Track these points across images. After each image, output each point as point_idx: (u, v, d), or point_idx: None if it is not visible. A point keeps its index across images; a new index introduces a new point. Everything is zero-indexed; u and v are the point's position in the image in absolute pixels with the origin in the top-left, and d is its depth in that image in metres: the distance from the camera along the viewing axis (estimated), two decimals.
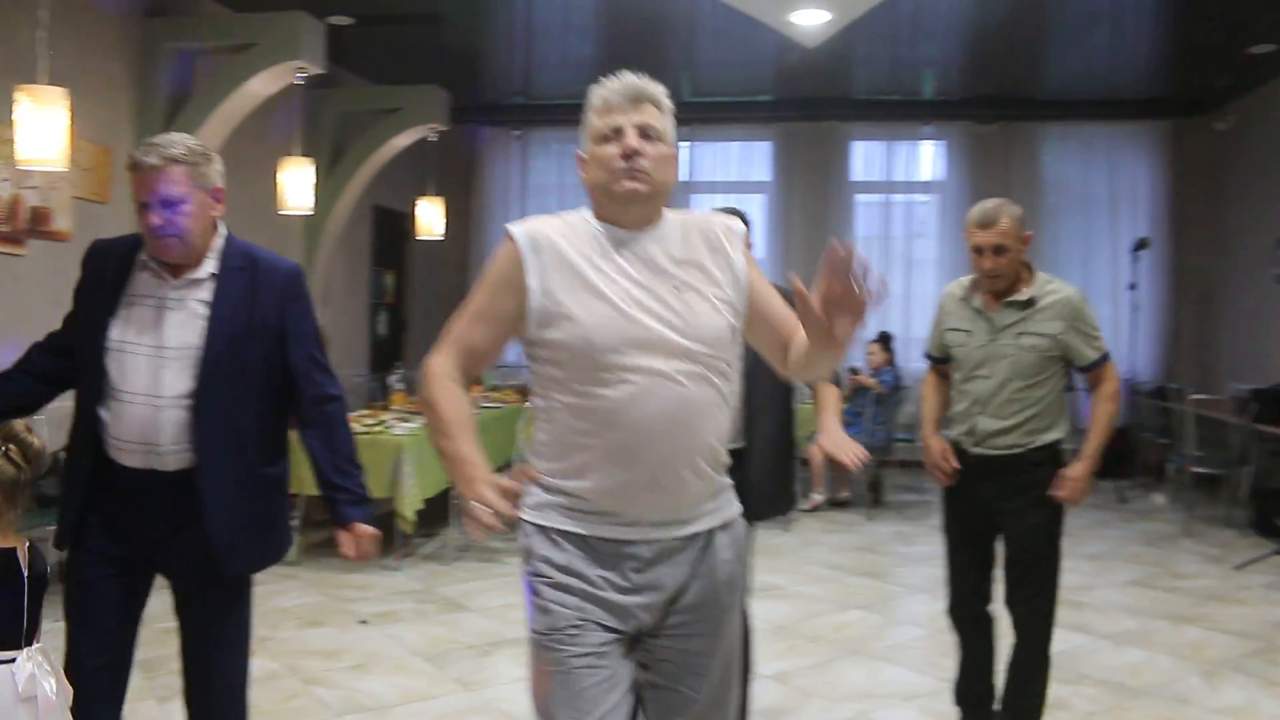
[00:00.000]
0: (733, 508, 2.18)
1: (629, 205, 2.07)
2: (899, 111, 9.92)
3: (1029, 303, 3.35)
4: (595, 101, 2.11)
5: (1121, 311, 9.56)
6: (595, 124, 2.10)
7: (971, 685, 3.68)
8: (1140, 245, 9.05)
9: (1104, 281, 9.89)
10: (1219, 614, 5.47)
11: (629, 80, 2.09)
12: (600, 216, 2.11)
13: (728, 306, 2.08)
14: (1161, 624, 5.29)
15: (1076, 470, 3.34)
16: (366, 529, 2.65)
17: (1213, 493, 8.29)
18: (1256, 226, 9.07)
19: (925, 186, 10.28)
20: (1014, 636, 3.52)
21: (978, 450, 3.43)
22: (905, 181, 10.27)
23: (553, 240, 2.06)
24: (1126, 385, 9.64)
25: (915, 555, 6.80)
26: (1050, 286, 3.39)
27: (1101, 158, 10.15)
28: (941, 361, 3.63)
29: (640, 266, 2.04)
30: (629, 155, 2.04)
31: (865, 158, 10.28)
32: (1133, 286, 9.08)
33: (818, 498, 8.18)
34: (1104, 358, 3.39)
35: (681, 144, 7.96)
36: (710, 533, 2.11)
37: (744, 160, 10.41)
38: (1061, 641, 4.90)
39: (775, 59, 8.48)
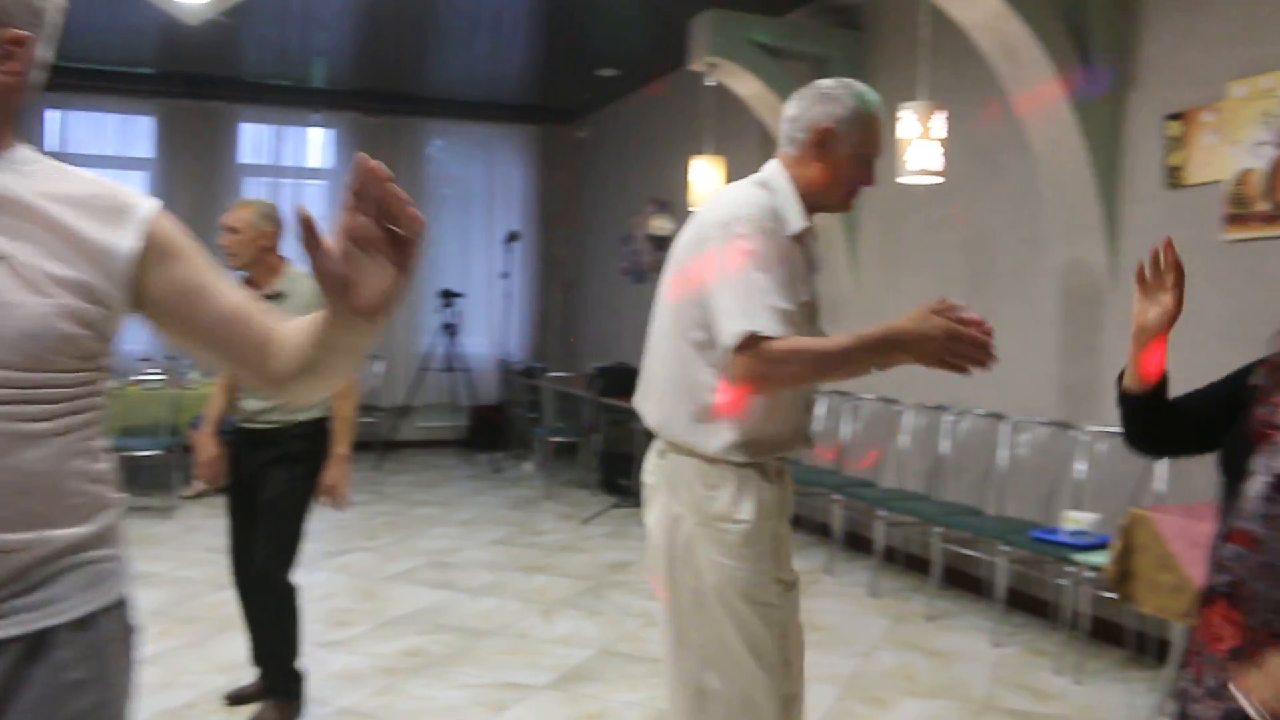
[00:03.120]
0: (90, 591, 1.40)
1: None
2: (288, 97, 9.96)
3: (278, 295, 3.66)
4: None
5: (495, 298, 10.44)
6: None
7: (258, 646, 3.91)
8: (512, 237, 9.97)
9: (481, 270, 10.72)
10: (565, 562, 6.28)
11: None
12: None
13: (69, 293, 1.34)
14: (516, 575, 5.96)
15: (330, 474, 3.72)
16: None
17: (571, 459, 9.40)
18: (607, 224, 10.39)
19: (315, 173, 10.44)
20: (255, 591, 3.82)
21: (247, 426, 3.75)
22: (295, 167, 10.35)
23: None
24: (500, 365, 10.56)
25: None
26: (301, 283, 3.70)
27: (480, 156, 10.97)
28: None
29: None
30: None
31: (253, 141, 10.18)
32: (505, 275, 9.97)
33: (200, 484, 8.02)
34: None
35: (51, 111, 7.38)
36: (39, 637, 1.34)
37: (123, 134, 9.84)
38: (423, 599, 5.43)
39: (157, 32, 8.15)
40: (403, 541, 6.72)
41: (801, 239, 2.35)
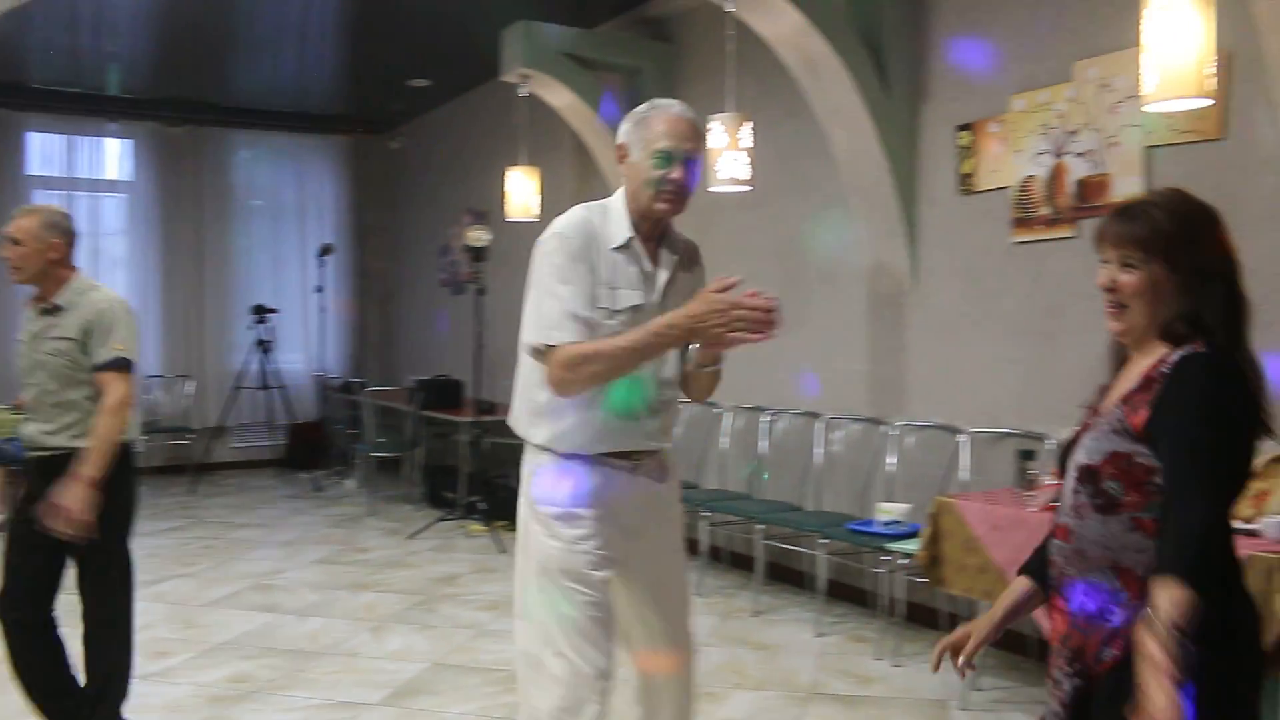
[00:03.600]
0: None
1: None
2: (82, 106, 9.49)
3: (56, 309, 3.46)
4: None
5: (311, 313, 10.20)
6: None
7: (45, 687, 3.57)
8: (325, 251, 9.75)
9: (294, 285, 10.45)
10: (392, 577, 6.20)
11: None
12: None
13: None
14: (342, 593, 5.85)
15: (68, 495, 3.27)
16: None
17: (395, 474, 9.28)
18: (424, 235, 10.30)
19: (113, 185, 9.98)
20: (88, 639, 3.55)
21: (33, 454, 3.50)
22: (91, 179, 9.86)
23: None
24: (317, 381, 10.32)
25: None
26: (85, 295, 3.50)
27: (290, 167, 10.69)
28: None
29: None
30: None
31: (43, 151, 9.65)
32: (320, 289, 9.74)
33: None
34: (112, 364, 3.42)
35: None
36: None
37: None
38: (247, 623, 5.28)
39: None
40: (222, 566, 6.51)
41: (639, 248, 2.53)
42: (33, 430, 3.48)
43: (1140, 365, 1.83)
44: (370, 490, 8.70)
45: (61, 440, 3.42)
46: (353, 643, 4.97)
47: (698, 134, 2.49)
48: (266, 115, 10.21)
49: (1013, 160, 4.65)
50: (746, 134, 4.70)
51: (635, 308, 2.47)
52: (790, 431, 5.89)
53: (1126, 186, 4.18)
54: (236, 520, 8.00)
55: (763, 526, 5.51)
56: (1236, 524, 3.22)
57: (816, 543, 5.16)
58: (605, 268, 2.46)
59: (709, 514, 5.78)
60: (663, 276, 2.55)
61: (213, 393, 10.01)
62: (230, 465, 10.21)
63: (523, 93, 6.49)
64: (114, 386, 3.40)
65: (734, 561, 6.21)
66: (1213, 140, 3.90)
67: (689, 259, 2.65)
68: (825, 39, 4.69)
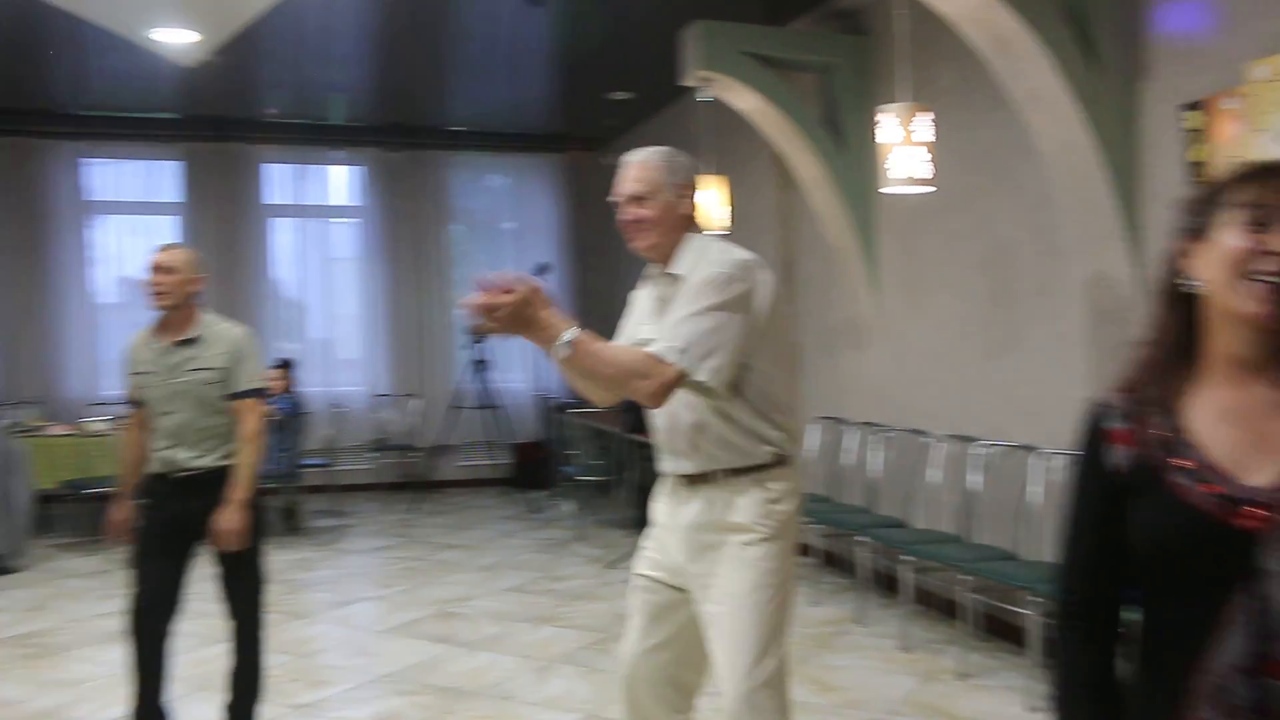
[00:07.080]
0: None
1: None
2: (310, 136, 9.82)
3: (192, 341, 3.70)
4: None
5: None
6: None
7: (148, 703, 3.74)
8: (543, 269, 9.62)
9: None
10: (577, 612, 5.88)
11: None
12: None
13: None
14: (522, 626, 5.59)
15: (223, 518, 3.61)
16: None
17: (613, 497, 9.05)
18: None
19: (342, 211, 10.29)
20: (232, 636, 3.80)
21: (176, 475, 3.70)
22: (321, 205, 10.21)
23: None
24: (540, 401, 10.24)
25: (314, 580, 6.74)
26: (217, 328, 3.76)
27: (507, 187, 10.70)
28: (140, 405, 3.84)
29: None
30: None
31: (278, 181, 10.06)
32: None
33: None
34: (250, 393, 3.74)
35: (83, 161, 7.44)
36: None
37: (151, 180, 9.80)
38: (416, 654, 5.11)
39: (178, 76, 7.98)
40: (415, 590, 6.41)
41: (653, 279, 2.84)
42: (177, 455, 3.67)
43: None
44: (585, 514, 8.48)
45: (208, 462, 3.68)
46: (511, 685, 4.68)
47: (637, 174, 2.69)
48: (481, 136, 10.27)
49: (1256, 141, 3.79)
50: (923, 126, 4.07)
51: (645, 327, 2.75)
52: (1002, 466, 5.14)
53: None
54: (446, 541, 7.97)
55: (969, 577, 4.81)
56: None
57: (1027, 599, 4.42)
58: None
59: (911, 558, 5.13)
60: (652, 295, 2.81)
61: (439, 411, 10.13)
62: (457, 483, 10.31)
63: (702, 97, 6.03)
64: (251, 413, 3.70)
65: (948, 610, 5.50)
66: None
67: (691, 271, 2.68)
68: (1014, 13, 3.98)
